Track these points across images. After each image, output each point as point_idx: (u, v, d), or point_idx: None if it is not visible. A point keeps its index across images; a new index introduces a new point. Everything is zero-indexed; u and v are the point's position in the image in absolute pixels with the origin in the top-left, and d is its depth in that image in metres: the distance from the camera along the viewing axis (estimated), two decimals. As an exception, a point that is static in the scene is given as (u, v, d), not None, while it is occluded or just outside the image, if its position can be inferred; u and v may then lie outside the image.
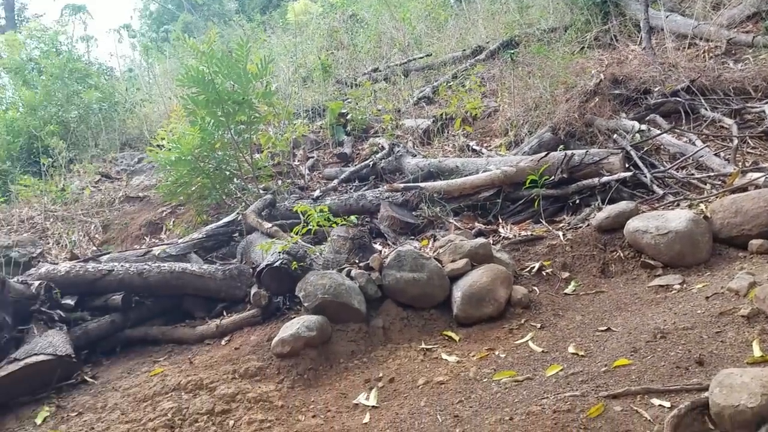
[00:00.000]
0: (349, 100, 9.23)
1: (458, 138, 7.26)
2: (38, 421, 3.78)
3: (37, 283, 4.79)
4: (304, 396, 3.73)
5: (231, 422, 3.47)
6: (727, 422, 2.48)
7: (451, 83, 9.05)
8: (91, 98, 11.41)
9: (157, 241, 7.21)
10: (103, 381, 4.28)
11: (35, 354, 4.04)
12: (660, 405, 2.75)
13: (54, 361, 4.06)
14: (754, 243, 4.11)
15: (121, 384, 4.12)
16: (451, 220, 5.57)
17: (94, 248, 7.40)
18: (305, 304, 4.28)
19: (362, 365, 3.99)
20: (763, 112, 5.74)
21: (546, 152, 5.68)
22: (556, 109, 6.54)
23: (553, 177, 5.45)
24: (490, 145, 7.09)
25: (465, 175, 5.98)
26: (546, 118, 6.61)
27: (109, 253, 6.16)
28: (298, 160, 8.19)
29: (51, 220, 8.44)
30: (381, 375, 3.77)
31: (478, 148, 6.94)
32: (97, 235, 8.03)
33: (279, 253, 4.63)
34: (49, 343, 4.20)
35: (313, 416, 3.46)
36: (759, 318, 3.30)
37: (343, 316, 4.22)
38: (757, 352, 3.00)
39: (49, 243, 7.69)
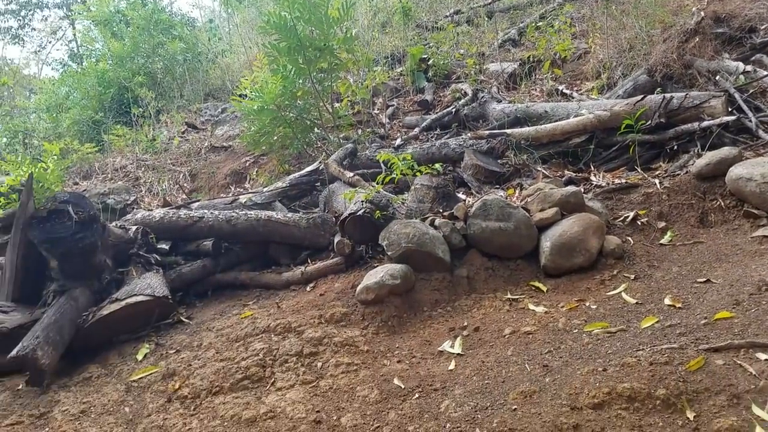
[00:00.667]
0: (430, 44, 8.98)
1: (546, 82, 6.95)
2: (139, 357, 4.01)
3: (134, 228, 5.03)
4: (389, 342, 3.76)
5: (319, 364, 3.56)
6: None
7: (539, 24, 8.62)
8: (175, 49, 11.69)
9: (241, 190, 7.41)
10: (197, 321, 4.49)
11: (135, 294, 4.27)
12: (766, 360, 2.58)
13: (152, 301, 4.28)
14: None
15: (214, 325, 4.30)
16: (539, 168, 5.38)
17: (184, 196, 7.69)
18: (389, 253, 4.28)
19: (446, 314, 3.98)
20: None
21: (642, 95, 5.33)
22: (653, 50, 6.11)
23: (649, 122, 5.13)
24: (580, 89, 6.75)
25: (554, 121, 5.73)
26: (641, 59, 6.18)
27: (198, 200, 6.38)
28: (378, 109, 8.11)
29: (142, 168, 8.82)
30: (466, 324, 3.75)
31: (568, 92, 6.61)
32: (185, 184, 8.33)
33: (362, 202, 4.63)
34: (148, 284, 4.42)
35: (398, 361, 3.49)
36: None
37: (426, 265, 4.20)
38: None
39: (141, 191, 8.05)
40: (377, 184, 4.96)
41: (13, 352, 3.67)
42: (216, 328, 4.22)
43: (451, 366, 3.29)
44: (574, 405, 2.61)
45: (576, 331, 3.34)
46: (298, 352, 3.66)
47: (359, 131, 7.30)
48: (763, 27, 5.95)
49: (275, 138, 7.05)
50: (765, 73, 5.36)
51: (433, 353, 3.53)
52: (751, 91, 5.28)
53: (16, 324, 4.08)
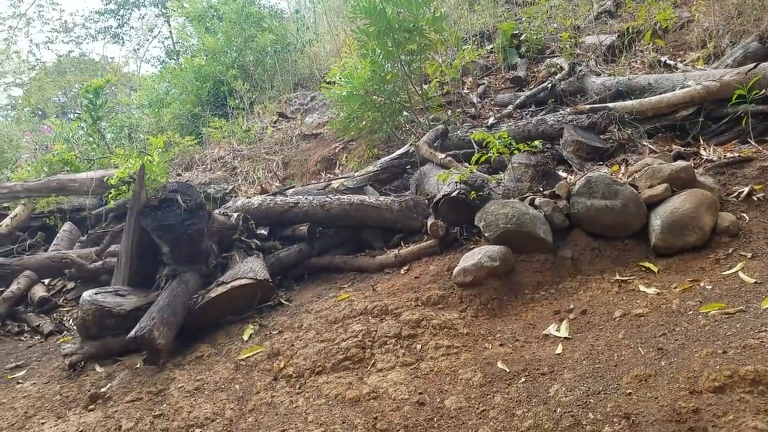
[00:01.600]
0: (522, 19, 8.71)
1: (648, 53, 6.56)
2: (245, 337, 4.16)
3: (235, 215, 5.21)
4: (489, 325, 3.69)
5: (418, 346, 3.54)
6: None
7: (638, -7, 8.17)
8: (266, 41, 11.97)
9: (332, 175, 7.51)
10: (296, 304, 4.60)
11: (239, 278, 4.43)
12: None
13: (255, 284, 4.43)
14: None
15: (313, 307, 4.39)
16: (644, 143, 5.10)
17: (278, 183, 7.89)
18: (486, 234, 4.19)
19: (549, 296, 3.86)
20: None
21: (755, 64, 4.92)
22: (764, 15, 5.62)
23: (763, 91, 4.73)
24: (685, 60, 6.33)
25: (659, 94, 5.41)
26: (752, 25, 5.71)
27: (293, 187, 6.52)
28: (468, 88, 7.96)
29: (238, 158, 9.12)
30: (572, 306, 3.62)
31: (672, 63, 6.21)
32: (279, 172, 8.55)
33: (456, 183, 4.56)
34: (250, 268, 4.57)
35: (501, 345, 3.42)
36: None
37: (527, 246, 4.08)
38: None
39: (238, 180, 8.34)
40: (472, 164, 4.87)
41: (132, 333, 3.89)
42: (314, 310, 4.31)
43: (558, 350, 3.19)
44: (693, 389, 2.46)
45: (691, 312, 3.15)
46: (397, 334, 3.66)
47: (449, 112, 7.19)
48: None
49: (364, 123, 7.08)
50: None
51: (538, 337, 3.43)
52: None
53: (132, 306, 4.33)
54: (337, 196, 5.35)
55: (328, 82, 7.43)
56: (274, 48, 12.20)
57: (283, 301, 4.67)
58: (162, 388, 3.65)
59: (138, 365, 4.01)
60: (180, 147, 9.45)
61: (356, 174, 6.20)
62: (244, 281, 4.40)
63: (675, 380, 2.56)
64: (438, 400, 2.99)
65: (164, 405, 3.45)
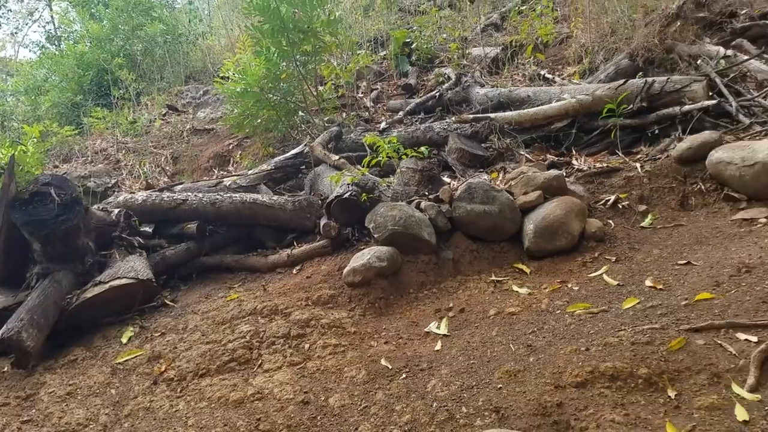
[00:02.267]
0: (413, 28, 8.96)
1: (529, 66, 6.98)
2: (124, 340, 4.01)
3: (116, 210, 4.99)
4: (376, 323, 3.80)
5: (306, 345, 3.59)
6: (822, 359, 2.39)
7: (521, 8, 8.64)
8: (155, 31, 11.51)
9: (225, 173, 7.37)
10: (182, 305, 4.48)
11: (119, 277, 4.25)
12: (746, 339, 2.66)
13: (136, 284, 4.27)
14: None
15: (200, 308, 4.31)
16: (522, 152, 5.42)
17: (166, 179, 7.63)
18: (375, 236, 4.30)
19: (432, 295, 4.02)
20: None
21: (624, 80, 5.38)
22: (634, 35, 6.16)
23: (631, 106, 5.19)
24: (562, 74, 6.79)
25: (537, 105, 5.77)
26: (623, 44, 6.23)
27: (182, 183, 6.34)
28: (362, 92, 8.09)
29: (123, 151, 8.72)
30: (451, 305, 3.80)
31: (550, 76, 6.65)
32: (167, 167, 8.26)
33: (348, 184, 4.64)
34: (131, 267, 4.41)
35: (385, 342, 3.54)
36: None
37: (413, 247, 4.23)
38: None
39: (122, 174, 7.97)
40: (363, 167, 4.97)
41: (-2, 335, 3.64)
42: (201, 311, 4.23)
43: (438, 346, 3.34)
44: (558, 383, 2.67)
45: (559, 311, 3.40)
46: (285, 334, 3.68)
47: (344, 114, 7.28)
48: (743, 12, 6.04)
49: (259, 121, 7.01)
50: (745, 57, 5.44)
51: (420, 334, 3.57)
52: (731, 75, 5.35)
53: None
54: (228, 194, 5.26)
55: (222, 77, 7.29)
56: (165, 38, 11.75)
57: (168, 302, 4.54)
58: (31, 392, 3.45)
59: (5, 369, 3.76)
60: (58, 137, 8.88)
61: (250, 172, 6.13)
62: (123, 281, 4.23)
63: (542, 375, 2.77)
64: (322, 398, 3.04)
65: (33, 410, 3.27)
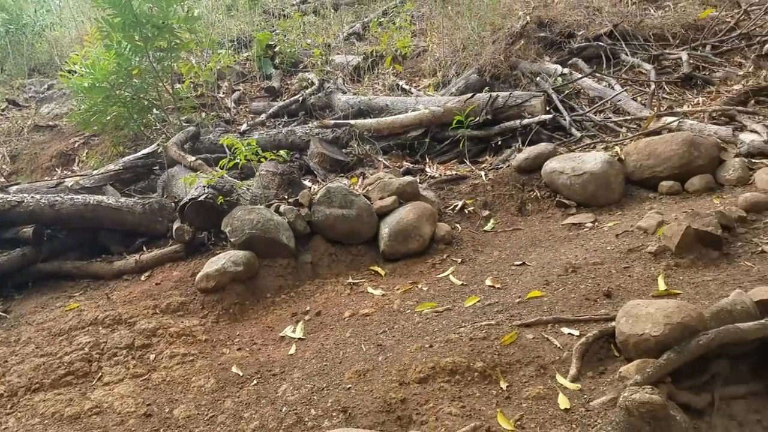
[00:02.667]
0: (278, 31, 8.90)
1: (388, 76, 7.20)
2: (-55, 356, 3.62)
3: (-64, 213, 4.49)
4: (230, 330, 3.74)
5: (152, 356, 3.45)
6: (632, 350, 2.67)
7: (382, 20, 8.90)
8: (-6, 19, 10.48)
9: (69, 172, 6.88)
10: (15, 315, 4.14)
11: (-61, 288, 3.83)
12: (569, 333, 2.93)
13: (-40, 295, 3.87)
14: (665, 184, 4.35)
15: (35, 318, 4.00)
16: (380, 159, 5.58)
17: (2, 179, 6.98)
18: (232, 240, 4.23)
19: (289, 299, 4.03)
20: (680, 58, 5.99)
21: (472, 94, 5.73)
22: (483, 51, 6.56)
23: (478, 118, 5.53)
24: (419, 85, 7.08)
25: (394, 114, 5.97)
26: (473, 59, 6.62)
27: (18, 183, 5.83)
28: (223, 93, 7.90)
29: (-48, 148, 7.85)
30: (308, 308, 3.83)
31: (407, 87, 6.91)
32: (4, 166, 7.55)
33: (204, 187, 4.52)
34: (-46, 276, 3.99)
35: (238, 349, 3.49)
36: (665, 255, 3.52)
37: (271, 251, 4.21)
38: (662, 285, 3.23)
39: (-50, 173, 7.18)
40: (220, 169, 4.87)
41: None
42: (36, 322, 3.92)
43: (292, 350, 3.35)
44: (403, 380, 2.78)
45: (409, 311, 3.54)
46: (129, 344, 3.51)
47: (203, 114, 7.07)
48: (580, 33, 6.63)
49: (108, 118, 6.61)
50: (579, 75, 5.99)
51: (275, 339, 3.56)
52: (566, 92, 5.87)
53: None
54: (70, 196, 4.91)
55: (69, 71, 6.79)
56: (7, 28, 10.73)
57: (0, 313, 4.16)
58: None
59: None
60: None
61: (95, 172, 5.76)
62: (-56, 291, 3.82)
63: (389, 373, 2.86)
64: (167, 410, 2.94)
65: None
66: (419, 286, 3.89)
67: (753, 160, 4.24)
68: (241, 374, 3.17)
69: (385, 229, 4.33)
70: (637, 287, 3.29)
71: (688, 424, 2.39)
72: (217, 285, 3.95)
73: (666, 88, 5.73)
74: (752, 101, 5.13)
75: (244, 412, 2.81)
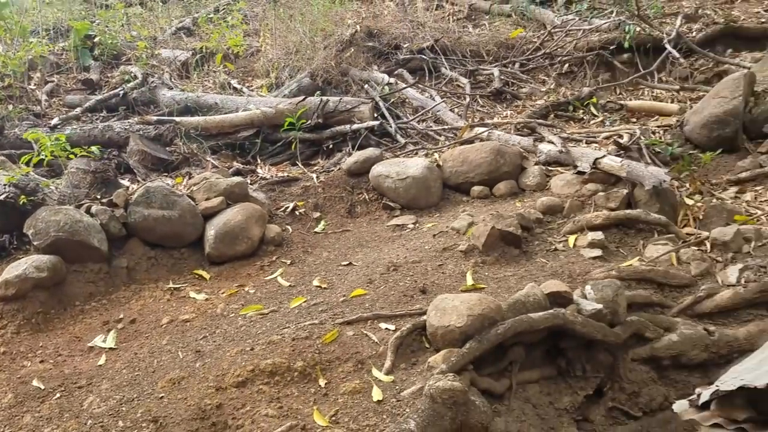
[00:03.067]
0: (98, 22, 8.29)
1: (219, 75, 7.02)
2: None
3: None
4: (32, 341, 3.44)
5: (-62, 373, 3.07)
6: (440, 340, 2.88)
7: (213, 17, 8.65)
8: None
9: None
10: None
11: None
12: (386, 328, 3.08)
13: None
14: (476, 189, 4.71)
15: None
16: (208, 158, 5.42)
17: None
18: (35, 243, 3.90)
19: (101, 307, 3.79)
20: (492, 74, 6.52)
21: (304, 97, 5.78)
22: (315, 56, 6.65)
23: (309, 121, 5.59)
24: (251, 85, 6.98)
25: (224, 113, 5.84)
26: (306, 63, 6.68)
27: None
28: (35, 84, 7.20)
29: None
30: (122, 316, 3.63)
31: (239, 86, 6.79)
32: None
33: (4, 185, 4.12)
34: None
35: (41, 361, 3.23)
36: (474, 253, 3.82)
37: (80, 255, 3.93)
38: (469, 281, 3.50)
39: None
40: (24, 165, 4.47)
41: None
42: None
43: (101, 361, 3.17)
44: (220, 386, 2.74)
45: (233, 315, 3.50)
46: None
47: (10, 107, 6.39)
48: (405, 45, 6.97)
49: None
50: (404, 85, 6.30)
51: (83, 349, 3.34)
52: (392, 100, 6.14)
53: None
54: None
55: None
56: None
57: None
58: None
59: None
60: None
61: None
62: None
63: (205, 380, 2.80)
64: (-49, 432, 2.63)
65: None
66: (246, 288, 3.86)
67: (549, 168, 4.72)
68: (42, 387, 2.93)
69: (211, 231, 4.23)
70: (449, 283, 3.54)
71: (488, 407, 2.62)
72: (17, 293, 3.62)
73: (480, 101, 6.21)
74: (552, 115, 5.73)
75: (45, 427, 2.61)
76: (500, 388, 2.91)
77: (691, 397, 2.45)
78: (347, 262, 4.01)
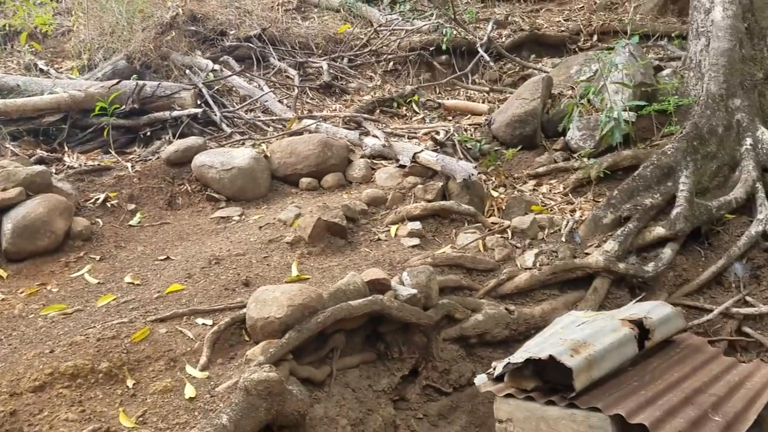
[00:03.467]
0: None
1: (24, 55, 6.33)
2: None
3: None
4: None
5: None
6: (260, 332, 2.86)
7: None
8: None
9: None
10: None
11: None
12: (204, 324, 2.99)
13: None
14: (304, 180, 4.74)
15: None
16: (7, 145, 4.88)
17: None
18: None
19: None
20: (321, 67, 6.56)
21: (118, 80, 5.40)
22: (133, 38, 6.24)
23: (124, 106, 5.24)
24: (61, 67, 6.39)
25: (27, 96, 5.30)
26: (122, 45, 6.25)
27: None
28: None
29: None
30: None
31: (46, 68, 6.19)
32: None
33: None
34: None
35: None
36: (300, 244, 3.85)
37: None
38: (294, 272, 3.51)
39: None
40: None
41: None
42: None
43: None
44: (15, 391, 2.50)
45: (32, 315, 3.20)
46: None
47: None
48: (232, 32, 6.78)
49: None
50: (229, 73, 6.14)
51: None
52: (217, 87, 5.95)
53: None
54: None
55: None
56: None
57: None
58: None
59: None
60: None
61: None
62: None
63: (-3, 386, 2.53)
64: None
65: None
66: (48, 287, 3.54)
67: (374, 161, 4.89)
68: None
69: (8, 225, 3.81)
70: (274, 275, 3.53)
71: (305, 395, 2.66)
72: None
73: (309, 93, 6.24)
74: (378, 110, 5.93)
75: None
76: (321, 376, 2.97)
77: (489, 371, 2.66)
78: (165, 257, 3.83)
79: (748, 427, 2.34)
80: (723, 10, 4.50)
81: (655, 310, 2.93)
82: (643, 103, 4.72)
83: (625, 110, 4.53)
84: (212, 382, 2.62)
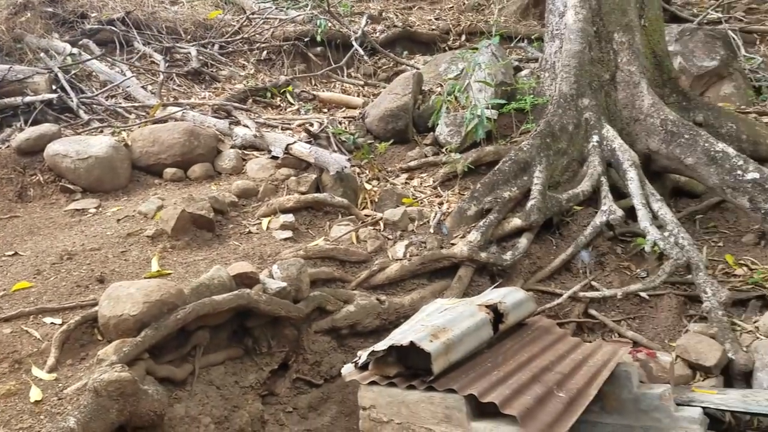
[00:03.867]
0: None
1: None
2: None
3: None
4: None
5: None
6: (113, 331, 2.71)
7: None
8: None
9: None
10: None
11: None
12: (52, 323, 2.81)
13: None
14: (169, 171, 4.53)
15: None
16: None
17: None
18: None
19: None
20: (190, 53, 6.30)
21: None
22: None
23: None
24: None
25: None
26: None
27: None
28: None
29: None
30: None
31: None
32: None
33: None
34: None
35: None
36: (162, 237, 3.69)
37: None
38: (155, 267, 3.36)
39: None
40: None
41: None
42: None
43: None
44: None
45: None
46: None
47: None
48: (93, 15, 6.35)
49: None
50: (89, 57, 5.74)
51: None
52: (74, 72, 5.55)
53: None
54: None
55: None
56: None
57: None
58: None
59: None
60: None
61: None
62: None
63: None
64: None
65: None
66: None
67: (245, 152, 4.78)
68: None
69: None
70: (132, 270, 3.37)
71: (163, 395, 2.56)
72: None
73: (177, 80, 5.96)
74: (251, 100, 5.79)
75: None
76: (182, 374, 2.87)
77: (354, 360, 2.70)
78: (12, 253, 3.55)
79: (590, 401, 2.54)
80: (575, 14, 4.79)
81: (509, 295, 3.11)
82: (503, 101, 4.98)
83: (487, 108, 4.76)
84: (60, 384, 2.47)
